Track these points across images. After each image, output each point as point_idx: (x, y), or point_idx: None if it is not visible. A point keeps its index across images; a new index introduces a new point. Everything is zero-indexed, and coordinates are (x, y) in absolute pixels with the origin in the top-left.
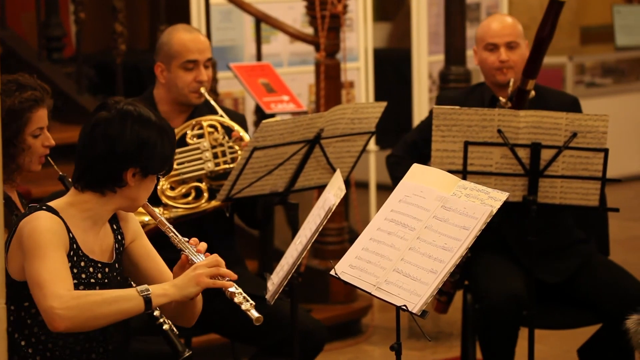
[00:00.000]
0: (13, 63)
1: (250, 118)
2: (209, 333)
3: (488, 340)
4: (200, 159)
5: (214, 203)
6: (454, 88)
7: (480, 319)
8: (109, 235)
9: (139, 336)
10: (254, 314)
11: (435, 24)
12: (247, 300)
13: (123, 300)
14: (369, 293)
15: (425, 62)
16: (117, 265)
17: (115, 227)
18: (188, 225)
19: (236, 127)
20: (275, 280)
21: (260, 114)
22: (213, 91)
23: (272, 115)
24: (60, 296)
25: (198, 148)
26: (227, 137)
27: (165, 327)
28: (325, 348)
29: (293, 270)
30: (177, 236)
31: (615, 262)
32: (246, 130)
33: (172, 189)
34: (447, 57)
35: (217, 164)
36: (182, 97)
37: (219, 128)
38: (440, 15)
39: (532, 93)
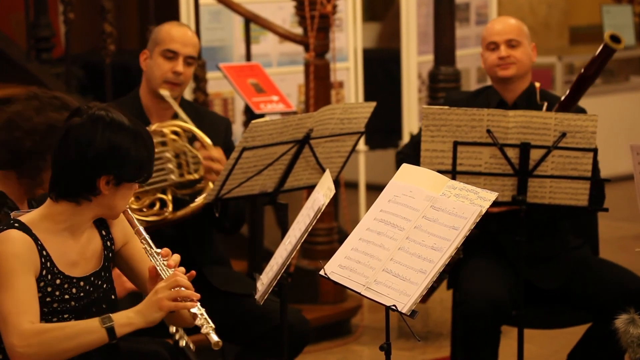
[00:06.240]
0: (2, 64)
1: (239, 118)
2: (197, 334)
3: (468, 344)
4: (163, 169)
5: (179, 214)
6: (459, 90)
7: (461, 323)
8: (94, 241)
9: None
10: (213, 337)
11: (425, 24)
12: (209, 323)
13: (85, 333)
14: (359, 293)
15: (414, 62)
16: (102, 273)
17: (104, 233)
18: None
19: (198, 133)
20: (264, 280)
21: (250, 114)
22: (202, 92)
23: (262, 116)
24: (22, 332)
25: (161, 158)
26: (189, 145)
27: (182, 343)
28: (315, 348)
29: (282, 271)
30: (150, 248)
31: (609, 260)
32: (230, 135)
33: (137, 199)
34: (437, 57)
35: (181, 174)
36: (156, 86)
37: (182, 134)
38: (430, 15)
39: None
